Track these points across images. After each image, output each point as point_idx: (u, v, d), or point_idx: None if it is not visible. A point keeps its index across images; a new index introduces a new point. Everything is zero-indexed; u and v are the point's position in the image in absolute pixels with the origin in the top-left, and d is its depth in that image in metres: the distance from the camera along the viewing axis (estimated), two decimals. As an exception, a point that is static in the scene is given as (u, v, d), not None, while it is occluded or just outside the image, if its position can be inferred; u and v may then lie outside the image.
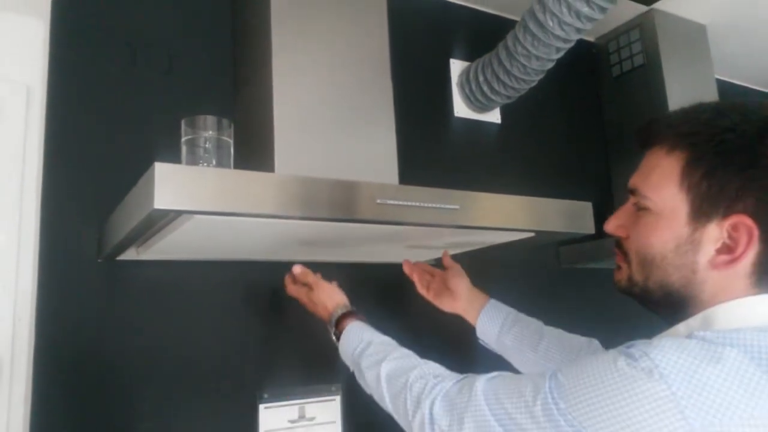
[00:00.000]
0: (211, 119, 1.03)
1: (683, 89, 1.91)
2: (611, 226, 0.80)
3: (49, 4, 1.30)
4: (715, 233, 0.68)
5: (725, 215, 0.67)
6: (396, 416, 0.89)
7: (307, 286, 1.17)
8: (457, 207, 1.07)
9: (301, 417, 1.40)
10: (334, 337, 1.10)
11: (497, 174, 1.81)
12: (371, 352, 0.98)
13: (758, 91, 2.57)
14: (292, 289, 1.21)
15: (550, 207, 1.20)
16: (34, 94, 1.27)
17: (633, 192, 0.77)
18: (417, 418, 0.82)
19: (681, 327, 0.71)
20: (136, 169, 0.90)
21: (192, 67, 1.43)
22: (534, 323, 1.17)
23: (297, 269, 1.16)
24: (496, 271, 1.62)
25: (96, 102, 1.31)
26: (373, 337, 1.02)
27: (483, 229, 1.14)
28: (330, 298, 1.13)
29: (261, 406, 1.36)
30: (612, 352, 0.67)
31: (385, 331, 1.07)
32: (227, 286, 1.38)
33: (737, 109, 0.69)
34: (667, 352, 0.62)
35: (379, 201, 0.99)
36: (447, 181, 1.52)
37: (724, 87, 2.23)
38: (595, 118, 2.08)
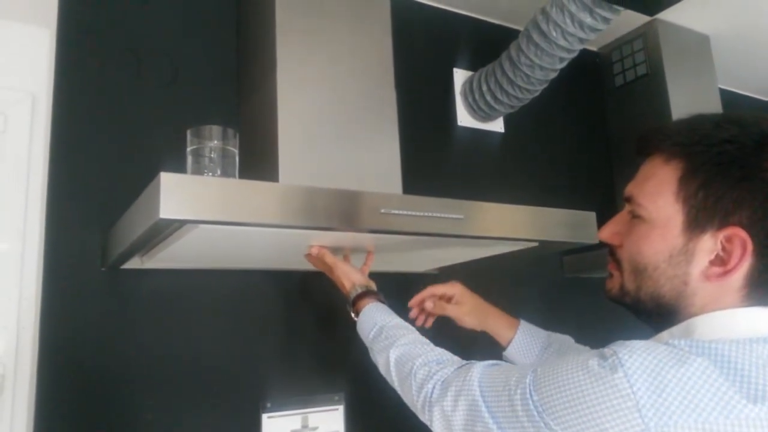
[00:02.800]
0: (216, 129, 1.03)
1: (686, 99, 1.92)
2: (606, 233, 0.80)
3: (56, 13, 1.31)
4: (709, 245, 0.67)
5: (720, 227, 0.66)
6: (405, 399, 0.93)
7: (327, 266, 1.17)
8: (461, 217, 1.07)
9: (305, 427, 1.39)
10: (353, 315, 1.11)
11: (501, 183, 1.81)
12: (382, 338, 1.00)
13: (762, 101, 2.56)
14: (320, 267, 1.21)
15: (554, 217, 1.20)
16: (40, 103, 1.28)
17: (628, 200, 0.76)
18: (420, 401, 0.86)
19: (665, 334, 0.72)
20: (141, 179, 0.90)
21: (197, 77, 1.43)
22: (563, 341, 1.15)
23: (314, 250, 1.14)
24: (500, 280, 1.62)
25: (101, 111, 1.32)
26: (386, 321, 1.03)
27: (487, 239, 1.14)
28: (347, 278, 1.13)
29: (264, 416, 1.36)
30: (591, 352, 0.69)
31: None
32: (231, 294, 1.38)
33: (736, 121, 0.69)
34: (635, 353, 0.63)
35: (383, 211, 1.00)
36: (450, 190, 1.52)
37: (727, 97, 2.22)
38: (599, 128, 2.08)
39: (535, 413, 0.67)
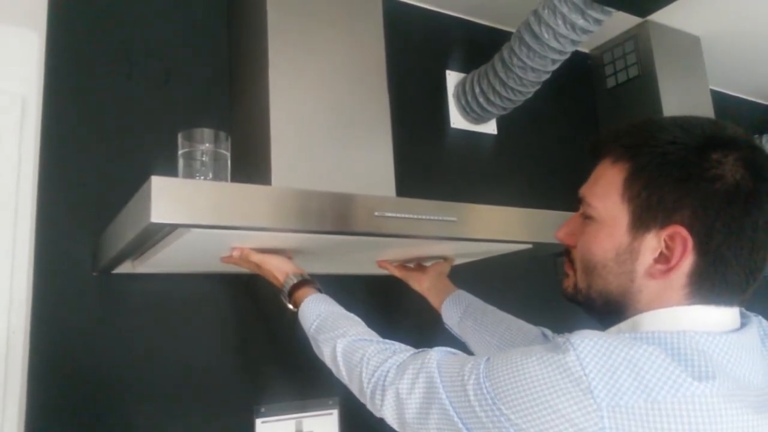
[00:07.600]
0: (208, 132, 1.03)
1: (678, 100, 1.93)
2: (561, 233, 0.83)
3: (45, 15, 1.30)
4: (653, 243, 0.69)
5: (663, 226, 0.68)
6: (351, 388, 0.93)
7: (253, 264, 1.11)
8: (455, 219, 1.07)
9: (299, 431, 1.39)
10: (291, 307, 1.08)
11: (494, 185, 1.81)
12: (327, 328, 0.99)
13: (752, 101, 2.58)
14: (247, 267, 1.15)
15: (547, 218, 1.20)
16: (30, 106, 1.27)
17: (581, 201, 0.79)
18: (371, 386, 0.86)
19: (613, 329, 0.74)
20: (133, 182, 0.89)
21: (189, 80, 1.42)
22: (498, 311, 1.21)
23: (236, 253, 1.09)
24: (493, 281, 1.62)
25: (92, 114, 1.31)
26: (329, 311, 1.02)
27: (481, 241, 1.13)
28: (279, 270, 1.10)
29: (258, 421, 1.35)
30: (544, 345, 0.70)
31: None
32: (224, 299, 1.38)
33: (681, 125, 0.71)
34: (586, 338, 0.65)
35: (377, 213, 0.99)
36: (443, 192, 1.52)
37: (718, 98, 2.24)
38: (591, 129, 2.08)
39: (489, 399, 0.68)
